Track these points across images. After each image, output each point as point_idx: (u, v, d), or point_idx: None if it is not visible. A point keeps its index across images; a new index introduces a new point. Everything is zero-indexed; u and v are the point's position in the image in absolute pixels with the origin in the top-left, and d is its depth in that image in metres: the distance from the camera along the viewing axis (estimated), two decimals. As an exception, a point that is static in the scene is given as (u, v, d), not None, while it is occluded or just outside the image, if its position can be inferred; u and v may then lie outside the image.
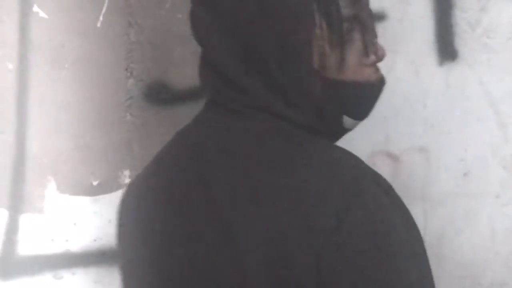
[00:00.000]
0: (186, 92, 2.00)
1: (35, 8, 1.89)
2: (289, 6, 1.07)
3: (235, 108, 1.13)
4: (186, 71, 1.98)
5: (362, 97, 1.17)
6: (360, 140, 1.89)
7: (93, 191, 1.98)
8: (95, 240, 1.98)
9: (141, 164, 2.01)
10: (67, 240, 1.96)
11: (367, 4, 1.15)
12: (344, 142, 2.01)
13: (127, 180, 1.99)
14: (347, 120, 1.18)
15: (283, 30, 1.07)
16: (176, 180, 1.17)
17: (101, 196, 1.99)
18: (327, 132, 1.17)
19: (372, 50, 1.14)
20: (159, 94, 2.00)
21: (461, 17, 1.87)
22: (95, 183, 1.99)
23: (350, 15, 1.11)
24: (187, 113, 2.00)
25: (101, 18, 1.93)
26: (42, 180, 1.94)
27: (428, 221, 1.91)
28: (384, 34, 1.82)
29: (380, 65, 1.84)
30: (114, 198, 1.99)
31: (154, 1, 1.93)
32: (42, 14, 1.90)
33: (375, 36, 1.16)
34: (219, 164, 1.12)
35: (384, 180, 1.09)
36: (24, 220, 1.93)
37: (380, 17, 1.89)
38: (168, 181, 1.19)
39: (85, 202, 1.98)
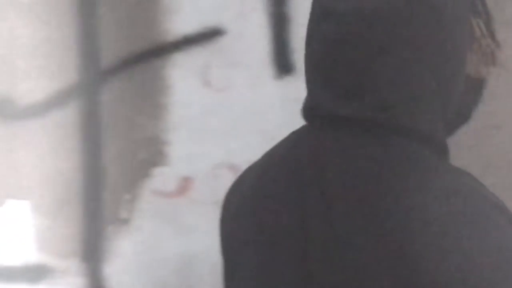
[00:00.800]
0: (33, 107, 2.00)
1: None
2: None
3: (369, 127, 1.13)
4: (32, 86, 1.98)
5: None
6: (202, 153, 1.92)
7: None
8: None
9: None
10: None
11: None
12: (184, 156, 2.04)
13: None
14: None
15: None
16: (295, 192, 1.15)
17: None
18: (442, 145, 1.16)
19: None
20: (4, 109, 1.99)
21: (296, 33, 1.91)
22: None
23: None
24: (35, 128, 2.00)
25: None
26: None
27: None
28: (223, 49, 1.86)
29: (219, 79, 1.88)
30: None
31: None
32: None
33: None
34: (340, 182, 1.11)
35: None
36: None
37: (219, 32, 1.92)
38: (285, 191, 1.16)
39: None
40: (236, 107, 1.93)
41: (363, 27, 1.13)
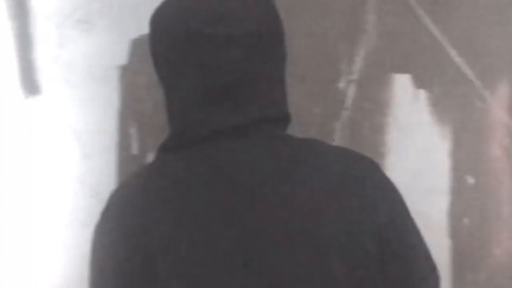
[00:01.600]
0: None
1: None
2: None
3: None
4: None
5: None
6: None
7: None
8: None
9: None
10: None
11: None
12: None
13: None
14: None
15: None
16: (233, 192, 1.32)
17: None
18: None
19: None
20: None
21: (42, 53, 1.93)
22: None
23: None
24: None
25: None
26: None
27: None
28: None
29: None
30: None
31: None
32: None
33: None
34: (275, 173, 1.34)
35: None
36: None
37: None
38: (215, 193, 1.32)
39: None
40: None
41: (241, 50, 1.35)
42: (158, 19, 1.43)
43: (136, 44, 1.95)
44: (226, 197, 1.32)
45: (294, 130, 1.69)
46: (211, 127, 1.37)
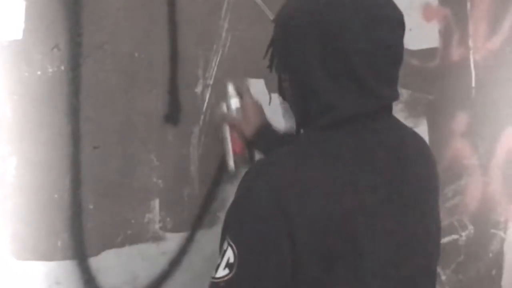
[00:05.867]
0: None
1: None
2: None
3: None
4: None
5: None
6: None
7: None
8: None
9: None
10: None
11: None
12: None
13: None
14: None
15: None
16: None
17: None
18: None
19: None
20: None
21: None
22: None
23: None
24: None
25: None
26: None
27: None
28: None
29: None
30: None
31: None
32: None
33: None
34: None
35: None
36: None
37: None
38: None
39: None
40: None
41: (402, 31, 1.45)
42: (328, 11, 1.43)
43: None
44: (386, 171, 1.48)
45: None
46: (379, 103, 1.46)
